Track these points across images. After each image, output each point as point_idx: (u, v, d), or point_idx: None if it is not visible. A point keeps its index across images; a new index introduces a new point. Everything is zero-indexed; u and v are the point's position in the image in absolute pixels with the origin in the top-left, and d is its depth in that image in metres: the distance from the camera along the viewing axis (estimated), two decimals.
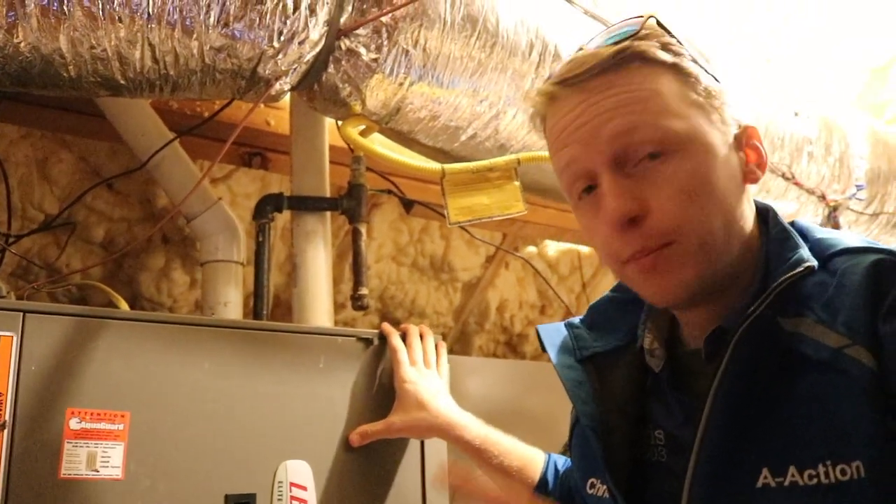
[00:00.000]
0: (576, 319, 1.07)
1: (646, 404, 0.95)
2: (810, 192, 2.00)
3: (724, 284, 0.86)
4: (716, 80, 0.89)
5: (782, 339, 0.81)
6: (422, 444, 1.40)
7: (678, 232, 0.83)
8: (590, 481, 1.00)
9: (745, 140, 0.90)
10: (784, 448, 0.79)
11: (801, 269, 0.82)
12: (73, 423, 1.11)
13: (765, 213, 0.91)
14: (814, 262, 0.82)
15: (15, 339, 1.09)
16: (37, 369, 1.10)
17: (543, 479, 1.27)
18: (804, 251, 0.84)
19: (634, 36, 0.86)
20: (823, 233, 0.90)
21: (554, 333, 1.06)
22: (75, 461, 1.10)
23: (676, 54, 0.87)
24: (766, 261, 0.87)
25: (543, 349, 1.05)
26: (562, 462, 1.29)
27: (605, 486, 0.96)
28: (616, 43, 0.86)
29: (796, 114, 1.97)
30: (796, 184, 1.96)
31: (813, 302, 0.82)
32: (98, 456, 1.12)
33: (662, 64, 0.86)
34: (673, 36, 0.88)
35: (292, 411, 1.28)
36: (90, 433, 1.12)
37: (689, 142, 0.84)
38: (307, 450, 1.27)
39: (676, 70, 0.86)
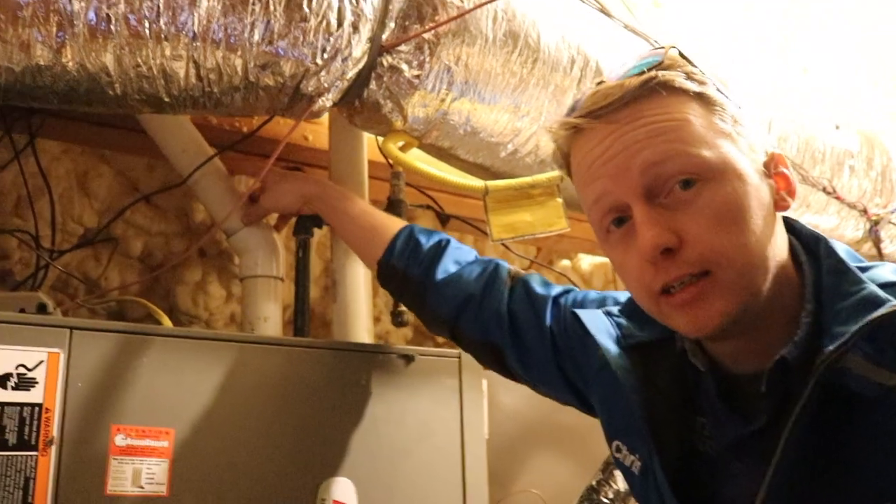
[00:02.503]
0: (613, 308, 1.06)
1: (691, 396, 0.94)
2: (852, 206, 1.98)
3: (758, 317, 0.84)
4: (738, 108, 0.88)
5: (828, 374, 0.79)
6: (462, 463, 1.39)
7: (715, 261, 0.81)
8: (615, 443, 1.01)
9: (773, 167, 0.88)
10: (840, 488, 0.78)
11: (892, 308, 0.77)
12: (119, 440, 1.12)
13: (814, 243, 0.89)
14: None
15: (62, 355, 1.10)
16: (83, 386, 1.11)
17: (391, 245, 1.32)
18: (873, 287, 0.81)
19: (658, 66, 0.86)
20: (861, 263, 0.87)
21: (595, 319, 1.04)
22: (121, 477, 1.11)
23: (701, 83, 0.86)
24: (817, 293, 0.84)
25: (585, 332, 1.03)
26: (429, 239, 1.32)
27: (633, 457, 0.96)
28: (640, 74, 0.86)
29: (837, 127, 1.95)
30: (837, 198, 1.93)
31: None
32: (143, 472, 1.12)
33: (688, 93, 0.85)
34: (694, 66, 0.88)
35: (334, 428, 1.28)
36: (135, 449, 1.13)
37: (721, 169, 0.83)
38: (350, 467, 1.27)
39: (702, 98, 0.85)
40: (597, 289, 2.82)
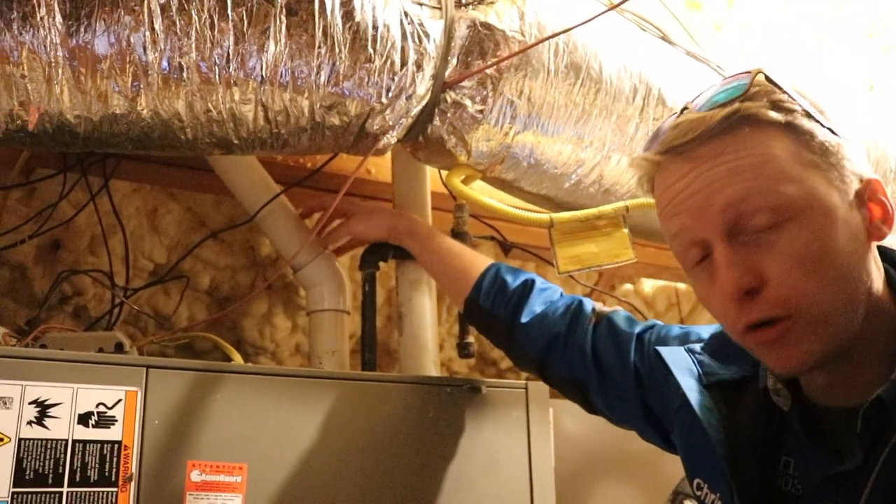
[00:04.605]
0: (696, 346, 1.05)
1: (775, 435, 0.93)
2: None
3: (851, 350, 0.82)
4: (833, 132, 0.84)
5: None
6: (531, 498, 1.38)
7: (796, 305, 0.79)
8: (696, 481, 1.00)
9: (868, 195, 0.84)
10: None
11: None
12: (195, 476, 1.14)
13: None
14: None
15: (139, 393, 1.13)
16: (160, 423, 1.14)
17: (478, 284, 1.33)
18: None
19: (743, 96, 0.83)
20: None
21: (677, 357, 1.03)
22: None
23: (788, 112, 0.83)
24: None
25: (668, 371, 1.02)
26: (515, 279, 1.32)
27: (714, 496, 0.95)
28: (723, 104, 0.83)
29: None
30: None
31: None
32: None
33: (774, 124, 0.82)
34: (783, 91, 0.84)
35: (404, 462, 1.29)
36: (210, 485, 1.15)
37: (805, 207, 0.80)
38: (421, 500, 1.27)
39: (789, 129, 0.82)
40: (659, 311, 2.80)
